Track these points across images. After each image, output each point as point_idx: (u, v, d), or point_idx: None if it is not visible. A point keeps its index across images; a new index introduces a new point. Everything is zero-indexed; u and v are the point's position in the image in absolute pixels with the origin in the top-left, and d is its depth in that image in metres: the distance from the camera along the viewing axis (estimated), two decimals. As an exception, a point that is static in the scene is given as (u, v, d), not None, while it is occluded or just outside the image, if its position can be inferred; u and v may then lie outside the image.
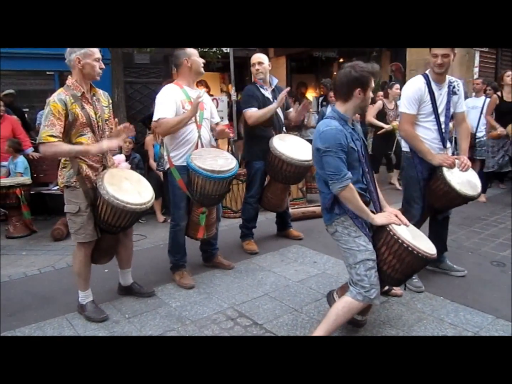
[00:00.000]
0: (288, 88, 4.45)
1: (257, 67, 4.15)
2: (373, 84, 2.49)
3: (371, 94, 2.52)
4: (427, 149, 3.27)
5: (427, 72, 3.34)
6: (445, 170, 3.22)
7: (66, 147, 2.81)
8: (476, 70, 8.64)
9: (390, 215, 2.52)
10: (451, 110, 3.36)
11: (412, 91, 3.28)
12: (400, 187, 5.68)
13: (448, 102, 3.32)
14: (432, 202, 3.37)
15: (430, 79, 3.28)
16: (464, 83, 3.54)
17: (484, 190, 6.28)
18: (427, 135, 3.32)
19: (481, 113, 6.69)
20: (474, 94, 7.24)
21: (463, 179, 3.26)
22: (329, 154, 2.39)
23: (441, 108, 3.30)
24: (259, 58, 4.16)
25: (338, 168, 2.38)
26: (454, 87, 3.36)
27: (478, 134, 6.81)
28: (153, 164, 5.73)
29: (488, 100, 6.69)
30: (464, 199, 3.26)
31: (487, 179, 6.40)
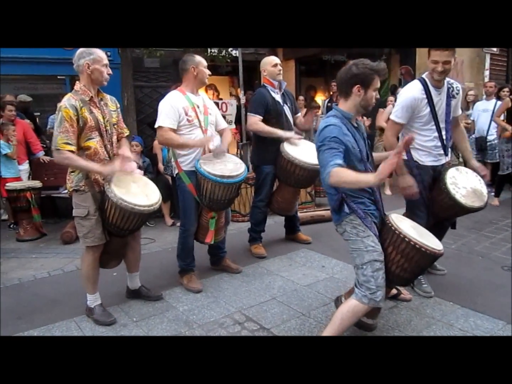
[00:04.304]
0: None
1: (279, 67, 4.18)
2: (377, 84, 2.41)
3: (374, 94, 2.43)
4: (401, 165, 3.08)
5: (424, 76, 3.21)
6: (448, 183, 3.15)
7: (81, 163, 2.83)
8: (487, 73, 8.58)
9: (384, 166, 2.14)
10: (450, 114, 3.25)
11: (407, 99, 3.14)
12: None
13: (448, 106, 3.21)
14: (438, 212, 3.30)
15: (428, 84, 3.14)
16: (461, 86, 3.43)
17: (497, 194, 6.21)
18: (426, 143, 3.22)
19: (492, 116, 6.64)
20: (484, 97, 7.18)
21: (468, 189, 3.19)
22: (320, 149, 2.37)
23: (440, 113, 3.19)
24: (278, 60, 4.21)
25: (324, 160, 2.33)
26: (453, 90, 3.25)
27: (489, 137, 6.76)
28: (161, 167, 5.76)
29: (499, 103, 6.65)
30: (471, 211, 3.21)
31: (501, 181, 6.31)
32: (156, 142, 5.89)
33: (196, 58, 3.47)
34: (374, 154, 2.71)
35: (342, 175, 2.23)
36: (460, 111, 3.42)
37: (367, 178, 2.22)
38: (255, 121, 4.12)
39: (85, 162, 2.85)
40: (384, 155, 2.94)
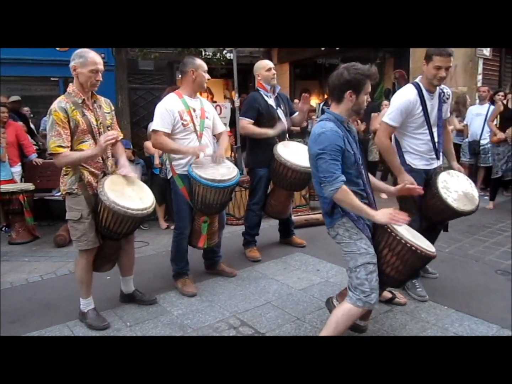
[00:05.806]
0: None
1: (273, 71, 4.19)
2: (369, 88, 2.42)
3: (365, 98, 2.45)
4: (399, 165, 3.22)
5: (417, 80, 3.22)
6: (440, 188, 3.17)
7: (76, 155, 2.83)
8: (480, 77, 8.62)
9: (390, 213, 2.30)
10: (442, 119, 3.30)
11: (401, 103, 3.14)
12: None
13: (440, 110, 3.25)
14: (430, 216, 3.32)
15: (422, 89, 3.16)
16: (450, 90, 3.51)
17: (492, 197, 6.25)
18: (420, 147, 3.24)
19: (485, 120, 6.68)
20: (478, 101, 7.24)
21: (460, 193, 3.22)
22: (322, 157, 2.33)
23: (433, 118, 3.22)
24: (271, 64, 4.22)
25: (329, 171, 2.32)
26: (444, 95, 3.28)
27: (482, 142, 6.81)
28: (157, 162, 5.60)
29: (492, 107, 6.70)
30: (462, 215, 3.24)
31: (495, 185, 6.34)
32: (146, 143, 5.84)
33: (197, 61, 3.45)
34: (374, 180, 2.75)
35: (348, 196, 2.32)
36: (448, 114, 3.48)
37: (368, 212, 2.33)
38: (245, 124, 4.14)
39: (79, 153, 2.85)
40: (382, 186, 2.87)
